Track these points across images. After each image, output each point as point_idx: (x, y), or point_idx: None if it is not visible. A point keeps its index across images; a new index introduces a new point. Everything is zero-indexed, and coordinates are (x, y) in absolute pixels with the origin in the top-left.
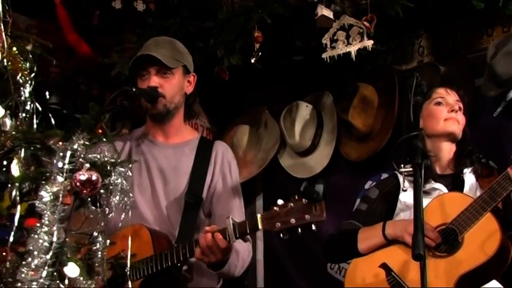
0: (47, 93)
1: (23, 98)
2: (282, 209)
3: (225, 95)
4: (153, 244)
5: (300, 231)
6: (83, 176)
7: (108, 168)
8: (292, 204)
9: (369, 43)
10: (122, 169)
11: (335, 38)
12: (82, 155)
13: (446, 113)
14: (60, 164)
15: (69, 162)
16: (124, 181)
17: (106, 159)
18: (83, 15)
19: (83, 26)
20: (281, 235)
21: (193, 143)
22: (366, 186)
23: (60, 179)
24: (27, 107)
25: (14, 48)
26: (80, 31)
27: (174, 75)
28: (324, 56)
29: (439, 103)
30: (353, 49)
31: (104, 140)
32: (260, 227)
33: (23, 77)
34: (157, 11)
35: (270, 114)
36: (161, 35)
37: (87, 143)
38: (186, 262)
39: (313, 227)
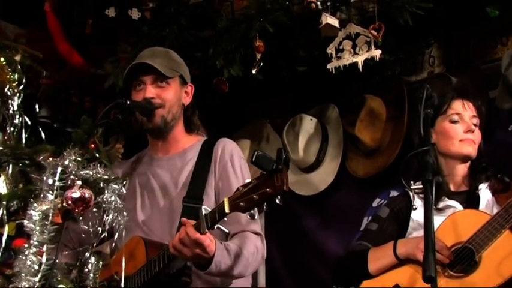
0: (37, 106)
1: (11, 111)
2: (245, 188)
3: (224, 107)
4: (146, 253)
5: (265, 207)
6: (74, 193)
7: (101, 185)
8: (254, 181)
9: (377, 53)
10: (116, 186)
11: (341, 47)
12: (73, 172)
13: (462, 133)
14: (50, 181)
15: (60, 179)
16: (118, 199)
17: (99, 175)
18: (74, 24)
19: (75, 35)
20: (248, 216)
21: (195, 149)
22: (374, 205)
23: (50, 196)
24: (16, 121)
25: (2, 59)
26: (72, 40)
27: (171, 85)
28: (329, 66)
29: (454, 121)
30: (360, 59)
31: (97, 155)
32: (227, 210)
33: (11, 89)
34: (153, 19)
35: (272, 128)
36: (157, 44)
37: (78, 158)
38: (175, 265)
39: (278, 201)
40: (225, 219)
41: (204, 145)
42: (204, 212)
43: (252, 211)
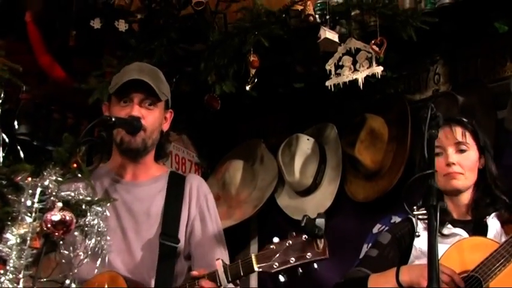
0: (16, 122)
1: None
2: (280, 247)
3: (216, 126)
4: None
5: (300, 271)
6: (54, 216)
7: (83, 207)
8: (290, 242)
9: (378, 69)
10: (99, 209)
11: (340, 63)
12: (54, 193)
13: (445, 167)
14: (29, 203)
15: (39, 201)
16: (101, 222)
17: (81, 197)
18: (57, 36)
19: (57, 47)
20: (280, 277)
21: (163, 179)
22: (375, 231)
23: (28, 219)
24: None
25: None
26: (54, 53)
27: (157, 108)
28: (327, 83)
29: (437, 154)
30: (360, 76)
31: (79, 175)
32: (256, 268)
33: None
34: (141, 31)
35: (266, 148)
36: (145, 58)
37: (60, 179)
38: None
39: (315, 266)
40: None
41: (172, 177)
42: (222, 263)
43: (281, 274)
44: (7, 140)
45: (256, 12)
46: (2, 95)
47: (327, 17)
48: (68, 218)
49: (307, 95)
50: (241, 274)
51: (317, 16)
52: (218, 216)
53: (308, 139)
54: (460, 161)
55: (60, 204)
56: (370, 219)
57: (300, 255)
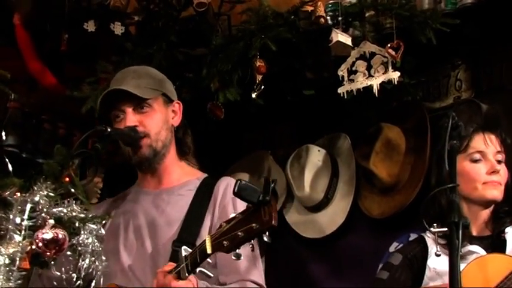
0: (3, 133)
1: None
2: (229, 223)
3: (219, 136)
4: None
5: (252, 246)
6: (46, 234)
7: (77, 225)
8: (239, 215)
9: (395, 75)
10: (94, 226)
11: (354, 68)
12: (45, 209)
13: (485, 175)
14: (18, 220)
15: (29, 218)
16: (96, 241)
17: (74, 214)
18: (48, 39)
19: (48, 52)
20: (233, 257)
21: (193, 184)
22: (391, 249)
23: (17, 238)
24: None
25: None
26: (45, 58)
27: (153, 108)
28: (340, 90)
29: (476, 160)
30: (375, 82)
31: (72, 190)
32: (209, 250)
33: None
34: (139, 35)
35: (274, 161)
36: (143, 63)
37: (51, 194)
38: None
39: (266, 238)
40: (209, 261)
41: (203, 182)
42: (184, 253)
43: (237, 250)
44: None
45: (263, 14)
46: None
47: (339, 18)
48: (60, 236)
49: (317, 102)
50: (198, 261)
51: (328, 18)
52: None
53: (319, 150)
54: (500, 172)
55: (51, 222)
56: (387, 237)
57: (247, 227)
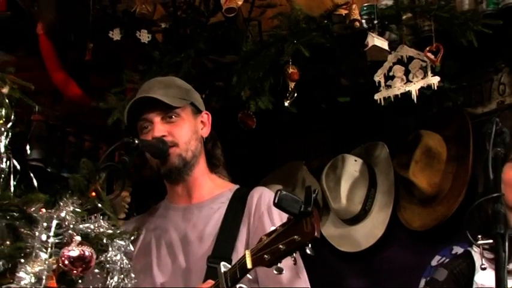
0: (28, 146)
1: None
2: (270, 236)
3: (251, 147)
4: None
5: (294, 259)
6: (72, 251)
7: (105, 241)
8: (280, 228)
9: (435, 80)
10: (122, 243)
11: (391, 74)
12: (71, 225)
13: None
14: (43, 237)
15: (55, 235)
16: (124, 258)
17: (102, 230)
18: (72, 49)
19: (73, 62)
20: (274, 271)
21: (224, 197)
22: (433, 263)
23: (43, 255)
24: (3, 165)
25: None
26: (69, 69)
27: (182, 118)
28: (376, 97)
29: None
30: (414, 88)
31: (99, 205)
32: (249, 265)
33: None
34: (166, 42)
35: (308, 171)
36: (171, 71)
37: (77, 209)
38: None
39: (309, 251)
40: (249, 276)
41: (235, 194)
42: (223, 269)
43: (278, 264)
44: (18, 166)
45: (295, 18)
46: (13, 116)
47: (375, 21)
48: (87, 253)
49: (353, 110)
50: (238, 277)
51: (363, 21)
52: None
53: (355, 160)
54: None
55: (78, 238)
56: (428, 250)
57: (289, 240)
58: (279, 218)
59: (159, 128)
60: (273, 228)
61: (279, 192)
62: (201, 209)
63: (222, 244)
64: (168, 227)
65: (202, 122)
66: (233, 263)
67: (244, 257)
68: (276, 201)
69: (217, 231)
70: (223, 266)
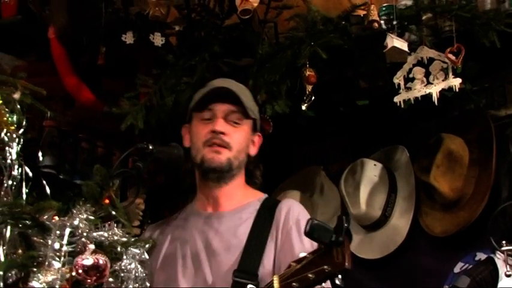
0: (40, 153)
1: (8, 161)
2: (299, 264)
3: (268, 152)
4: None
5: (339, 282)
6: (86, 260)
7: (119, 249)
8: (310, 255)
9: (456, 82)
10: (137, 251)
11: (411, 76)
12: (85, 234)
13: None
14: (56, 245)
15: (69, 243)
16: (139, 266)
17: (116, 238)
18: (84, 53)
19: (85, 66)
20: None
21: (253, 207)
22: (456, 270)
23: (56, 264)
24: (14, 172)
25: None
26: (81, 73)
27: (243, 127)
28: (396, 99)
29: None
30: (435, 90)
31: (113, 213)
32: None
33: (8, 134)
34: (180, 45)
35: (326, 177)
36: (185, 75)
37: (91, 217)
38: None
39: (338, 281)
40: None
41: (264, 204)
42: None
43: None
44: (30, 174)
45: (312, 20)
46: (24, 122)
47: (394, 22)
48: (101, 262)
49: (372, 113)
50: None
51: (382, 22)
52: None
53: (375, 165)
54: None
55: (92, 247)
56: (451, 257)
57: (318, 270)
58: None
59: (221, 123)
60: (303, 254)
61: (310, 221)
62: (230, 217)
63: (248, 258)
64: (195, 236)
65: (253, 141)
66: (259, 277)
67: (272, 282)
68: (307, 230)
69: (244, 243)
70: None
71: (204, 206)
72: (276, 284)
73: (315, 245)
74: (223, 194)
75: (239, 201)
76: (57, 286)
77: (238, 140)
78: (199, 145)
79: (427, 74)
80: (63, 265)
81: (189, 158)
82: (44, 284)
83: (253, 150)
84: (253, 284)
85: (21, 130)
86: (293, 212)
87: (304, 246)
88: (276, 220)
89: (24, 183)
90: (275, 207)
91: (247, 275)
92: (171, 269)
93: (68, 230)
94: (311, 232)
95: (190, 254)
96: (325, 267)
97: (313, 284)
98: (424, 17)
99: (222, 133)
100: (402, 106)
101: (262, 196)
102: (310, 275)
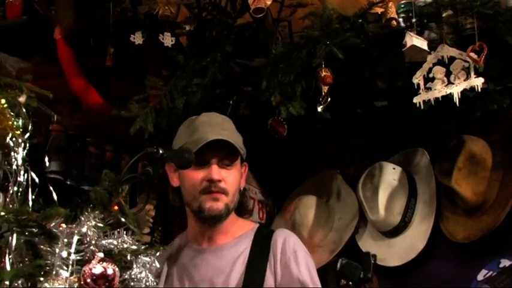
0: (46, 158)
1: (14, 166)
2: None
3: (282, 156)
4: None
5: None
6: (95, 268)
7: (129, 258)
8: None
9: (478, 81)
10: (147, 259)
11: (431, 75)
12: (93, 241)
13: None
14: (64, 254)
15: (77, 251)
16: (149, 275)
17: (125, 246)
18: (92, 55)
19: (92, 68)
20: None
21: (248, 238)
22: (480, 278)
23: (64, 273)
24: (20, 178)
25: (3, 101)
26: (89, 75)
27: (235, 167)
28: (415, 100)
29: None
30: (456, 90)
31: (123, 220)
32: None
33: (14, 139)
34: (191, 46)
35: (343, 181)
36: (196, 77)
37: (99, 224)
38: None
39: None
40: None
41: (258, 235)
42: None
43: None
44: (37, 179)
45: (327, 18)
46: (30, 127)
47: (413, 20)
48: (110, 271)
49: (391, 115)
50: None
51: (401, 20)
52: (314, 272)
53: (394, 168)
54: None
55: (101, 255)
56: (474, 264)
57: None
58: (305, 263)
59: (217, 170)
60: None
61: (340, 260)
62: (227, 251)
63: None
64: (192, 272)
65: (241, 174)
66: None
67: None
68: (338, 269)
69: (243, 276)
70: None
71: (199, 240)
72: None
73: (314, 275)
74: (218, 232)
75: (234, 233)
76: None
77: (233, 183)
78: (195, 193)
79: (448, 74)
80: (71, 274)
81: (179, 197)
82: None
83: (242, 182)
84: None
85: (27, 134)
86: (289, 243)
87: (303, 277)
88: (273, 251)
89: (30, 190)
90: (270, 237)
91: None
92: None
93: (75, 238)
94: (342, 270)
95: (189, 285)
96: None
97: None
98: (444, 14)
99: (219, 181)
100: (422, 107)
101: (255, 226)
102: None
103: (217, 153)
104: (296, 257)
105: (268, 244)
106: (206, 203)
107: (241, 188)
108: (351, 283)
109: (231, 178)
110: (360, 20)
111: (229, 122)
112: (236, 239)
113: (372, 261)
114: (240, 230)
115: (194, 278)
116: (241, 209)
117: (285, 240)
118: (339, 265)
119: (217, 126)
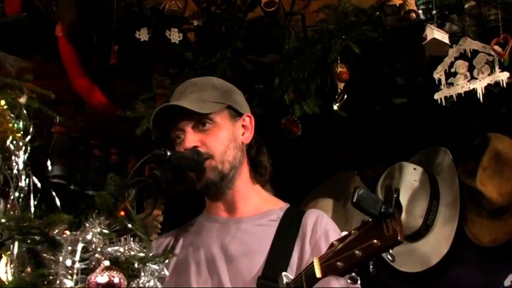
0: (48, 162)
1: (15, 171)
2: (343, 241)
3: (297, 156)
4: None
5: (372, 267)
6: (100, 277)
7: (136, 266)
8: (355, 231)
9: (503, 76)
10: (155, 267)
11: (453, 70)
12: (99, 249)
13: None
14: (68, 262)
15: (81, 260)
16: (158, 284)
17: (132, 253)
18: (95, 53)
19: (96, 67)
20: (348, 280)
21: (276, 214)
22: (507, 283)
23: (68, 283)
24: (21, 183)
25: (3, 102)
26: (92, 74)
27: (217, 124)
28: (437, 96)
29: None
30: (480, 85)
31: (129, 226)
32: (319, 274)
33: (14, 142)
34: (199, 42)
35: (361, 182)
36: (205, 74)
37: (105, 231)
38: None
39: (390, 257)
40: None
41: (287, 213)
42: (285, 280)
43: (353, 273)
44: (39, 184)
45: (343, 11)
46: (31, 129)
47: (434, 12)
48: (117, 279)
49: (411, 112)
50: (305, 286)
51: (420, 12)
52: None
53: (415, 169)
54: None
55: (107, 263)
56: (500, 269)
57: (366, 245)
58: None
59: (190, 138)
60: (345, 233)
61: (357, 190)
62: (248, 223)
63: (274, 265)
64: (209, 242)
65: (243, 126)
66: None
67: (312, 265)
68: (354, 200)
69: (268, 250)
70: (285, 277)
71: (216, 211)
72: (316, 265)
73: None
74: (233, 199)
75: (256, 207)
76: None
77: (216, 142)
78: (185, 169)
79: (471, 68)
80: (76, 283)
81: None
82: None
83: (247, 137)
84: None
85: (28, 137)
86: (321, 222)
87: None
88: (303, 229)
89: (32, 195)
90: (301, 216)
91: (272, 282)
92: (184, 276)
93: (80, 246)
94: (358, 202)
95: (205, 260)
96: (375, 241)
97: (361, 261)
98: (466, 5)
99: (196, 147)
100: (444, 104)
101: (284, 205)
102: (357, 252)
103: (188, 120)
104: (327, 236)
105: (298, 222)
106: (193, 174)
107: (245, 143)
108: (370, 220)
109: (211, 138)
110: (378, 13)
111: (208, 80)
112: (261, 213)
113: (395, 195)
114: (266, 206)
115: (212, 248)
116: (258, 167)
117: (317, 219)
118: (356, 196)
119: (186, 91)
